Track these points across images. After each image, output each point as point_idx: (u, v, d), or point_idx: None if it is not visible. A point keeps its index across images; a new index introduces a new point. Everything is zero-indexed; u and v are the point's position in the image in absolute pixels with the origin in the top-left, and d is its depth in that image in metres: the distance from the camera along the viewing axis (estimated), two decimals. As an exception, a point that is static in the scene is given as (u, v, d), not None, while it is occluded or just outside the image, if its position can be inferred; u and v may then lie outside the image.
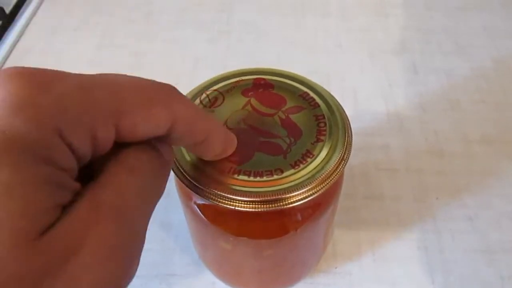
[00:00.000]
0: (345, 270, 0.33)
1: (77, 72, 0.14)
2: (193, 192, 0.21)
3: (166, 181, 0.17)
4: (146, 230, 0.15)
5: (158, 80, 0.16)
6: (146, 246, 0.34)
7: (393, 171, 0.38)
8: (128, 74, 0.16)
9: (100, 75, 0.15)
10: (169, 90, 0.16)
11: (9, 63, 0.48)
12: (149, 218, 0.16)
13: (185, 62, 0.47)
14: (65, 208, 0.13)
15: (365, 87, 0.45)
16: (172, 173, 0.25)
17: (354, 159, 0.39)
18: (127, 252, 0.14)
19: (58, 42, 0.51)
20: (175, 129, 0.16)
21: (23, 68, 0.13)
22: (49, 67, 0.14)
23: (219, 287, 0.32)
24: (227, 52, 0.49)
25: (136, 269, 0.15)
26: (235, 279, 0.30)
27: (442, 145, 0.40)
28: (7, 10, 0.53)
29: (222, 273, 0.30)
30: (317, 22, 0.52)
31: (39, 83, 0.13)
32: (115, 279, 0.14)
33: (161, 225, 0.35)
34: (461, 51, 0.48)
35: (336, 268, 0.33)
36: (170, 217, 0.35)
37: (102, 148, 0.14)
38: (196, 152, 0.21)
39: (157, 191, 0.16)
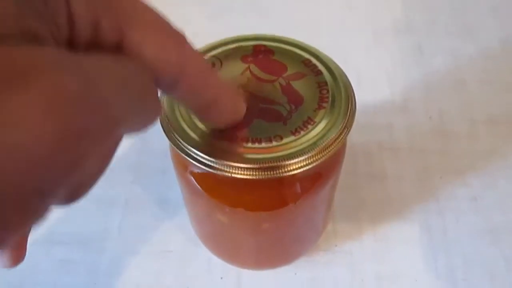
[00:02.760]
0: (345, 249, 0.32)
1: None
2: (187, 159, 0.20)
3: (150, 112, 0.15)
4: (112, 131, 0.12)
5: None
6: (142, 223, 0.34)
7: (396, 151, 0.37)
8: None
9: None
10: (183, 34, 0.16)
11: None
12: (118, 125, 0.13)
13: (184, 38, 0.46)
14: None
15: (369, 66, 0.44)
16: (167, 143, 0.24)
17: (356, 138, 0.38)
18: (77, 123, 0.11)
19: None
20: (184, 78, 0.15)
21: None
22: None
23: (216, 264, 0.31)
24: (227, 29, 0.47)
25: (84, 165, 0.11)
26: (232, 256, 0.29)
27: (447, 125, 0.39)
28: None
29: (218, 249, 0.29)
30: (320, 1, 0.51)
31: None
32: (50, 142, 0.10)
33: (157, 202, 0.34)
34: (467, 32, 0.47)
35: (336, 246, 0.32)
36: (167, 194, 0.35)
37: (100, 41, 0.14)
38: (204, 115, 0.19)
39: (139, 104, 0.14)
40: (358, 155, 0.37)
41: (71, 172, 0.11)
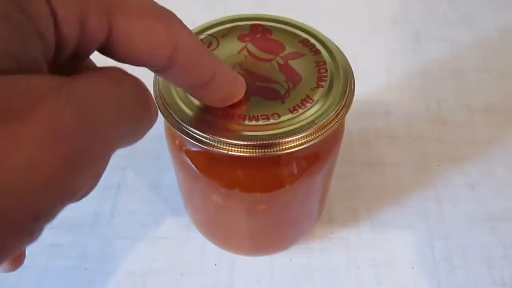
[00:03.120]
0: (342, 236, 0.32)
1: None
2: (183, 136, 0.20)
3: (143, 128, 0.15)
4: (106, 153, 0.13)
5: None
6: (134, 207, 0.33)
7: (393, 138, 0.37)
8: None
9: None
10: (171, 13, 0.15)
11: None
12: (112, 147, 0.13)
13: (180, 25, 0.45)
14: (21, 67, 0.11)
15: (366, 54, 0.43)
16: (162, 128, 0.23)
17: (354, 125, 0.37)
18: (73, 152, 0.11)
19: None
20: (177, 58, 0.15)
21: None
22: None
23: (209, 250, 0.30)
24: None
25: (80, 189, 0.12)
26: (227, 241, 0.29)
27: (444, 113, 0.39)
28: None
29: (213, 234, 0.29)
30: (317, -11, 0.51)
31: None
32: (48, 169, 0.11)
33: (150, 187, 0.34)
34: (465, 21, 0.46)
35: (332, 233, 0.32)
36: (160, 179, 0.34)
37: (90, 40, 0.13)
38: (201, 94, 0.18)
39: (133, 122, 0.14)
40: (355, 143, 0.36)
41: (67, 197, 0.11)
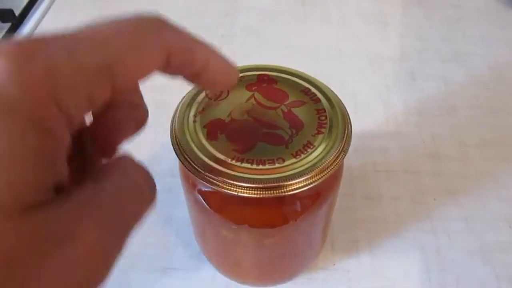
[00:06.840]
0: (343, 267, 0.33)
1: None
2: (197, 179, 0.22)
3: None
4: (127, 241, 0.15)
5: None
6: (147, 240, 0.35)
7: (391, 173, 0.39)
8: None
9: (83, 29, 0.14)
10: (156, 22, 0.16)
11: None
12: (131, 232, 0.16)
13: (189, 65, 0.48)
14: (57, 192, 0.13)
15: (364, 92, 0.46)
16: (174, 164, 0.26)
17: (353, 160, 0.39)
18: (109, 257, 0.14)
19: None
20: (172, 60, 0.16)
21: (5, 42, 0.13)
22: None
23: (220, 280, 0.32)
24: (229, 55, 0.50)
25: (108, 275, 0.15)
26: (235, 271, 0.30)
27: (439, 148, 0.41)
28: (17, 12, 0.54)
29: (223, 265, 0.31)
30: (318, 29, 0.54)
31: (25, 51, 0.12)
32: (90, 279, 0.14)
33: (162, 220, 0.36)
34: (458, 59, 0.49)
35: (334, 264, 0.33)
36: (172, 212, 0.36)
37: (98, 107, 0.15)
38: (199, 82, 0.19)
39: (142, 214, 0.17)
40: (354, 178, 0.39)
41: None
